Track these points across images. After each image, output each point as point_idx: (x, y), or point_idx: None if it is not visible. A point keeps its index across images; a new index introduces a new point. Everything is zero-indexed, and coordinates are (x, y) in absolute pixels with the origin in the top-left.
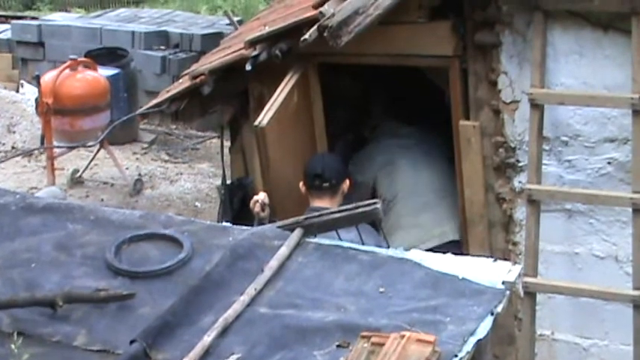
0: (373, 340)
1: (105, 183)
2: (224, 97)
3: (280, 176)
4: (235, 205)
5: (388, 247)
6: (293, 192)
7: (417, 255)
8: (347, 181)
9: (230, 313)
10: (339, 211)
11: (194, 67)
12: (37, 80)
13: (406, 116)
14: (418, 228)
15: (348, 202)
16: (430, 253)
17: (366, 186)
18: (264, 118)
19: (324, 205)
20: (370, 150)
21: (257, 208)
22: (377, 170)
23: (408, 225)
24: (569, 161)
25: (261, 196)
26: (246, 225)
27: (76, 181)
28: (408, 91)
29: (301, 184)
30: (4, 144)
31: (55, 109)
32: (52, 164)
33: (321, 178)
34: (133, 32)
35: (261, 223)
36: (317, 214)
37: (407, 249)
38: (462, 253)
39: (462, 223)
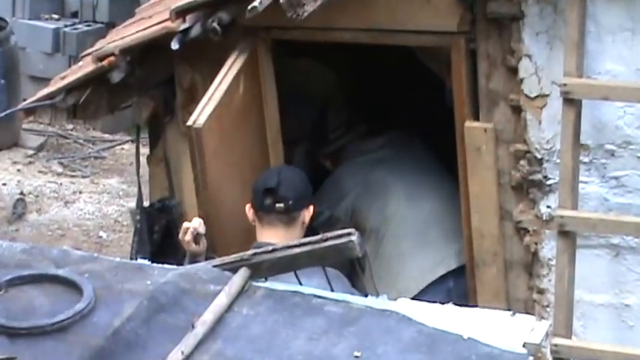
0: None
1: None
2: (141, 87)
3: (222, 197)
4: (156, 235)
5: (366, 296)
6: (239, 218)
7: (406, 306)
8: (310, 209)
9: None
10: (300, 245)
11: (100, 44)
12: None
13: (377, 123)
14: (429, 247)
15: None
16: (423, 304)
17: (336, 221)
18: (201, 116)
19: (276, 239)
20: (336, 178)
21: (188, 238)
22: (353, 199)
23: (413, 247)
24: (616, 178)
25: (195, 224)
26: (171, 263)
27: None
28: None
29: (248, 207)
30: None
31: None
32: None
33: (275, 195)
34: None
35: (194, 260)
36: (269, 248)
37: (416, 280)
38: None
39: (467, 263)
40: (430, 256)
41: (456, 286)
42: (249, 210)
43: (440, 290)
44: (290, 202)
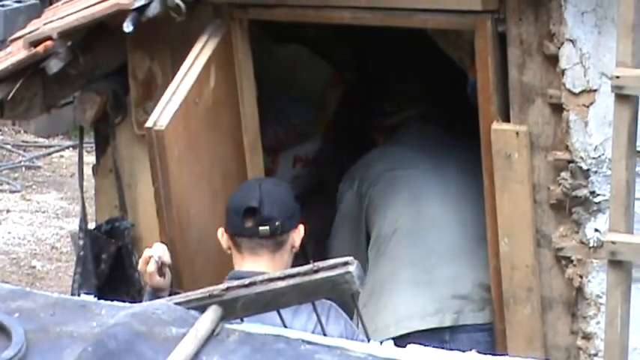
0: None
1: None
2: (85, 79)
3: (190, 217)
4: (104, 265)
5: (368, 340)
6: (210, 244)
7: (419, 355)
8: (300, 230)
9: None
10: (284, 278)
11: (33, 25)
12: None
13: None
14: (430, 290)
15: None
16: (441, 352)
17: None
18: (163, 115)
19: (260, 268)
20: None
21: (151, 269)
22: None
23: (412, 281)
24: None
25: (159, 251)
26: (122, 300)
27: None
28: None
29: (221, 232)
30: None
31: None
32: None
33: (258, 216)
34: None
35: (156, 297)
36: (246, 281)
37: (397, 323)
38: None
39: (495, 301)
40: (425, 301)
41: (453, 341)
42: (222, 235)
43: (432, 339)
44: (277, 224)
